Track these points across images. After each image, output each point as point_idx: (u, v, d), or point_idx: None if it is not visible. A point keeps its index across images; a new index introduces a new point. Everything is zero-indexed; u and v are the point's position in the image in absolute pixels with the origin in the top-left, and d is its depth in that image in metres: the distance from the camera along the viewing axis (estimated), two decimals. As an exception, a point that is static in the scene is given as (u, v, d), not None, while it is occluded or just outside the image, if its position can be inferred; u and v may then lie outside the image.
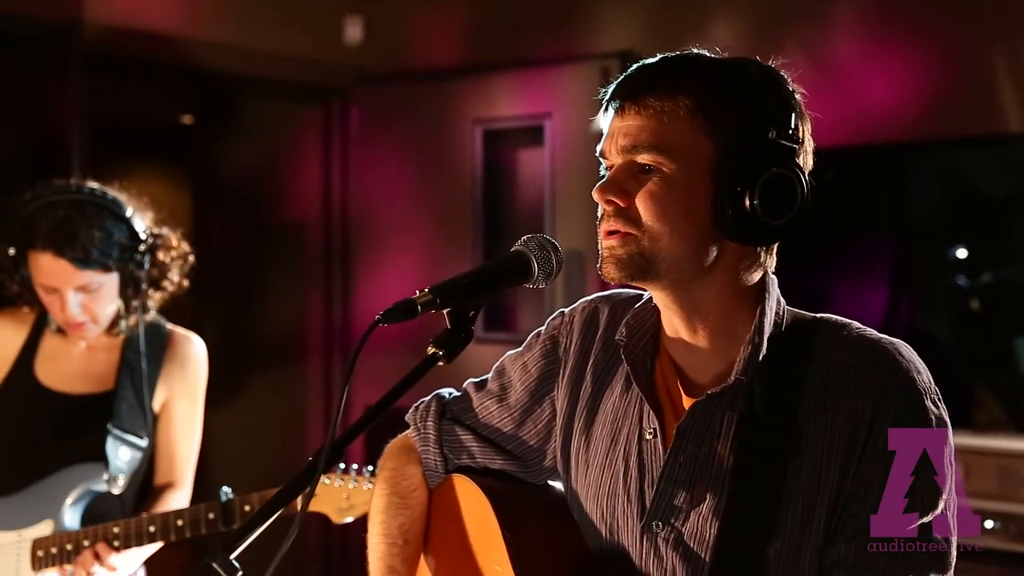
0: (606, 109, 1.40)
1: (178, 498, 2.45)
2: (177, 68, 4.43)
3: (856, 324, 1.41)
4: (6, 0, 3.72)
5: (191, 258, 2.50)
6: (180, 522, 2.21)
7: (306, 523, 1.23)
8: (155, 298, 2.44)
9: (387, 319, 1.28)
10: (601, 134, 1.42)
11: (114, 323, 2.41)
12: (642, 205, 1.34)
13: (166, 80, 4.79)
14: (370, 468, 2.13)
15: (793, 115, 1.36)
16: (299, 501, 1.25)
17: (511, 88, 4.68)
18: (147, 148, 5.43)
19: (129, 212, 2.40)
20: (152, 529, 2.21)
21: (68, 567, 2.25)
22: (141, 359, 2.40)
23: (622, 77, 1.39)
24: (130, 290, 2.38)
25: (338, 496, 2.14)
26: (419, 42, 4.94)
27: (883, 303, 4.12)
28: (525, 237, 1.41)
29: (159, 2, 4.28)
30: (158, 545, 2.33)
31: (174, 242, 2.45)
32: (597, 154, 1.41)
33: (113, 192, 2.41)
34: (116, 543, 2.22)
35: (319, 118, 5.04)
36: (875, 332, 1.39)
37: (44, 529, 2.30)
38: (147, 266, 2.38)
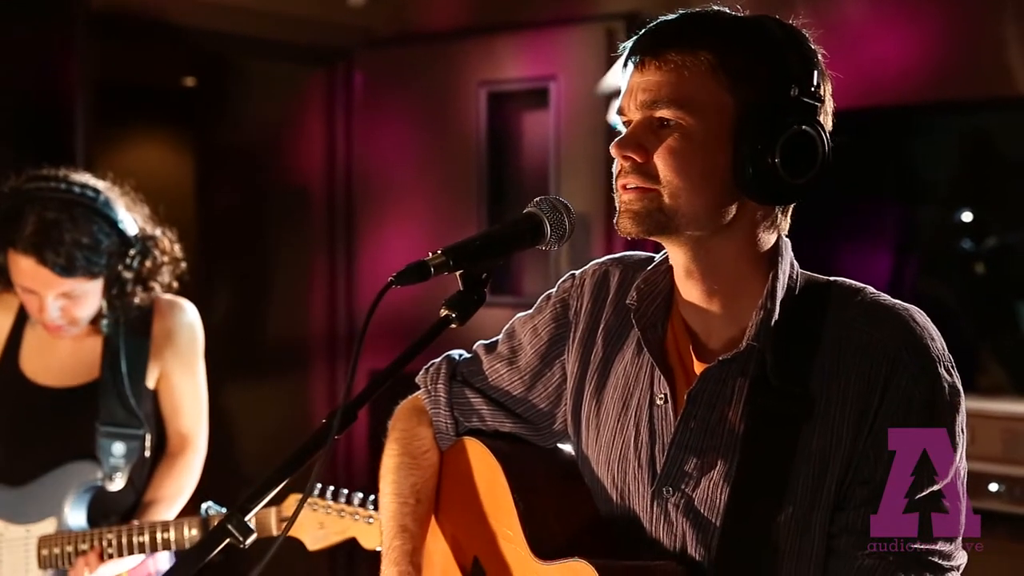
0: (625, 65, 1.37)
1: (193, 463, 2.43)
2: (180, 30, 4.40)
3: (870, 289, 1.39)
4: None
5: (183, 264, 2.42)
6: (166, 535, 2.20)
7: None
8: (141, 297, 2.34)
9: (400, 281, 1.27)
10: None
11: (97, 318, 2.34)
12: (661, 161, 1.32)
13: (168, 42, 4.74)
14: (346, 494, 2.12)
15: (815, 73, 1.34)
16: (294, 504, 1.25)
17: (516, 50, 4.64)
18: (150, 111, 5.40)
19: (120, 215, 2.29)
20: (141, 540, 2.21)
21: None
22: (122, 351, 2.32)
23: (642, 31, 1.37)
24: (115, 290, 2.30)
25: (312, 522, 2.12)
26: (423, 3, 4.90)
27: (888, 266, 4.11)
28: (537, 199, 1.40)
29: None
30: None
31: (166, 245, 2.37)
32: (615, 111, 1.39)
33: (106, 190, 2.30)
34: (109, 550, 2.22)
35: (323, 81, 5.00)
36: (889, 298, 1.38)
37: (48, 527, 2.29)
38: (136, 267, 2.30)
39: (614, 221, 1.37)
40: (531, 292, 4.77)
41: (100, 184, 2.31)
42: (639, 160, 1.33)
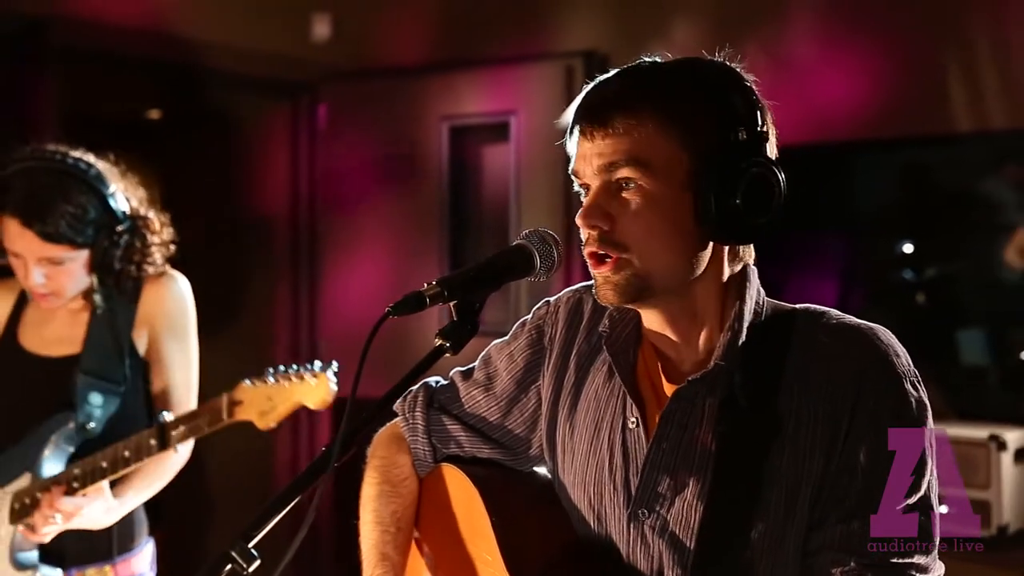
0: (571, 132, 1.37)
1: None
2: (146, 62, 4.38)
3: (835, 312, 1.41)
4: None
5: (173, 246, 2.42)
6: (127, 452, 2.17)
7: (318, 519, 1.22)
8: (134, 277, 2.34)
9: (397, 311, 1.29)
10: (565, 131, 1.40)
11: (89, 293, 2.33)
12: (628, 226, 1.33)
13: (134, 74, 4.72)
14: (295, 367, 2.11)
15: (757, 111, 1.35)
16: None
17: (477, 85, 4.68)
18: (115, 142, 5.33)
19: (111, 189, 2.29)
20: (104, 464, 2.17)
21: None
22: (108, 312, 2.30)
23: (582, 99, 1.36)
24: (103, 266, 2.28)
25: (261, 399, 2.10)
26: (386, 39, 4.91)
27: (834, 296, 4.17)
28: (526, 231, 1.41)
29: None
30: (146, 497, 2.31)
31: (157, 226, 2.36)
32: (570, 173, 1.39)
33: (100, 166, 2.31)
34: (75, 484, 2.17)
35: (287, 113, 5.00)
36: (854, 319, 1.39)
37: (23, 482, 2.26)
38: (123, 246, 2.29)
39: (593, 292, 1.38)
40: (491, 320, 4.78)
41: (95, 159, 2.32)
42: (605, 228, 1.33)
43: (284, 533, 1.24)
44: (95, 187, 2.26)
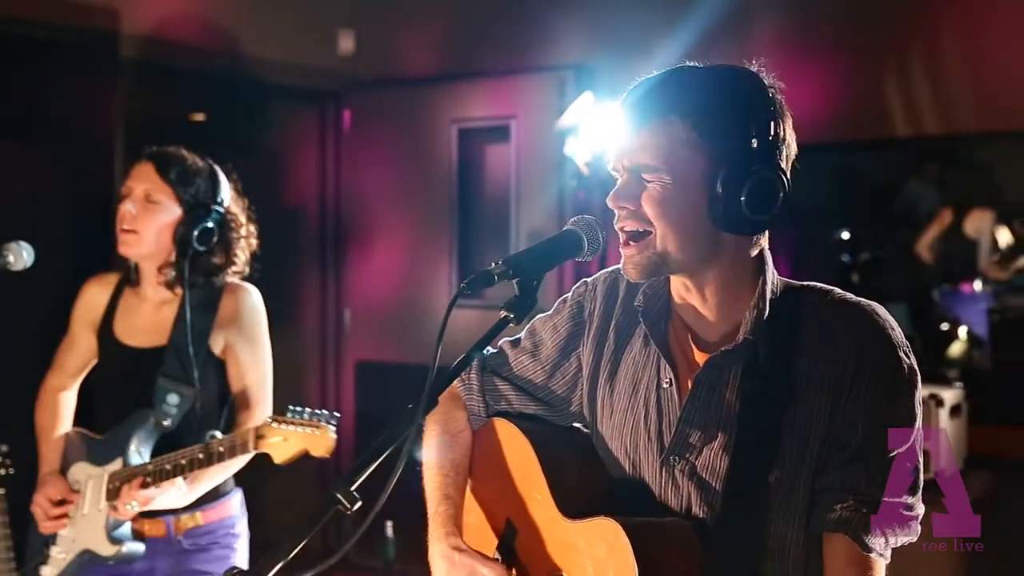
0: (613, 125, 1.38)
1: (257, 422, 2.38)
2: (194, 72, 4.34)
3: (837, 290, 1.42)
4: (55, 13, 3.61)
5: (254, 242, 2.40)
6: (183, 461, 2.17)
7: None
8: (221, 262, 2.32)
9: (470, 287, 1.28)
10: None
11: (177, 281, 2.32)
12: (647, 208, 1.34)
13: (183, 82, 4.68)
14: (310, 412, 2.12)
15: (773, 121, 1.34)
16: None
17: (482, 93, 4.67)
18: (168, 142, 5.29)
19: (220, 179, 2.34)
20: (168, 467, 2.18)
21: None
22: (190, 320, 2.28)
23: (625, 97, 1.37)
24: (184, 242, 2.26)
25: (278, 438, 2.11)
26: (403, 53, 4.89)
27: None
28: (575, 218, 1.41)
29: (182, 15, 4.19)
30: (216, 483, 2.31)
31: (243, 222, 2.36)
32: (608, 165, 1.40)
33: (217, 167, 2.37)
34: (149, 479, 2.18)
35: (316, 117, 4.97)
36: (853, 296, 1.40)
37: (118, 466, 2.27)
38: (207, 226, 2.27)
39: (620, 268, 1.40)
40: (492, 297, 4.78)
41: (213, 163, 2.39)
42: (631, 208, 1.35)
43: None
44: (211, 172, 2.34)
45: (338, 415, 2.17)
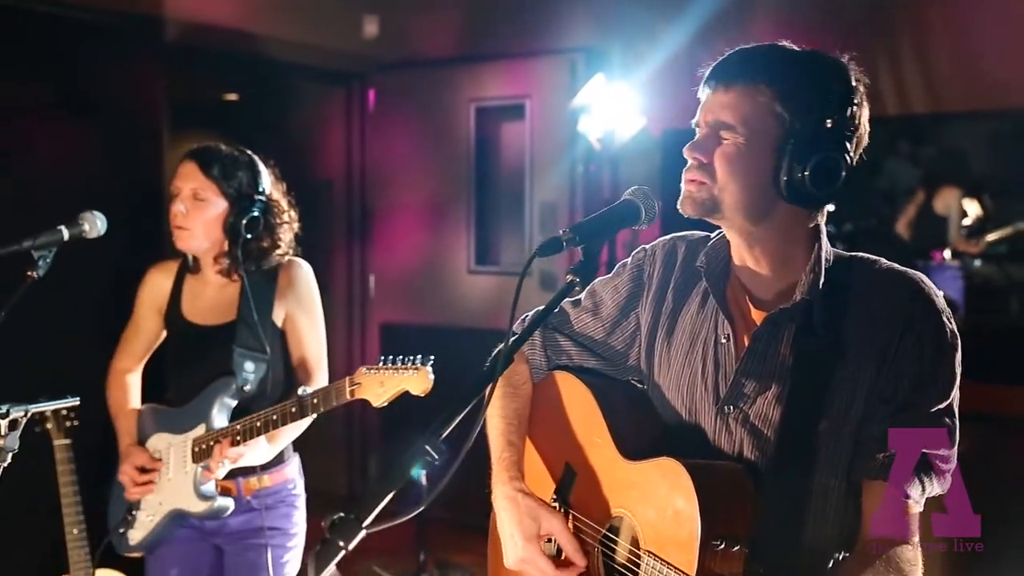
0: (704, 83, 1.37)
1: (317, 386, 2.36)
2: (228, 55, 4.28)
3: (884, 260, 1.41)
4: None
5: (296, 225, 2.37)
6: (275, 416, 2.16)
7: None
8: (270, 245, 2.30)
9: (541, 252, 1.26)
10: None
11: (233, 267, 2.30)
12: (717, 163, 1.33)
13: (218, 64, 4.62)
14: (401, 359, 2.07)
15: (851, 107, 1.33)
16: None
17: (499, 74, 4.63)
18: (206, 121, 5.23)
19: (260, 168, 2.31)
20: (259, 424, 2.17)
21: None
22: (252, 296, 2.27)
23: (720, 60, 1.36)
24: (233, 231, 2.24)
25: (375, 383, 2.07)
26: (424, 37, 4.83)
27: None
28: (632, 188, 1.38)
29: (219, 1, 4.13)
30: (291, 439, 2.31)
31: (285, 209, 2.34)
32: (692, 122, 1.38)
33: (256, 157, 2.33)
34: (239, 437, 2.18)
35: (342, 97, 4.92)
36: (900, 266, 1.39)
37: (200, 431, 2.26)
38: (253, 215, 2.25)
39: (677, 203, 1.38)
40: (508, 262, 4.77)
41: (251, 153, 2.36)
42: (704, 160, 1.34)
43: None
44: (251, 160, 2.31)
45: (432, 358, 2.11)
